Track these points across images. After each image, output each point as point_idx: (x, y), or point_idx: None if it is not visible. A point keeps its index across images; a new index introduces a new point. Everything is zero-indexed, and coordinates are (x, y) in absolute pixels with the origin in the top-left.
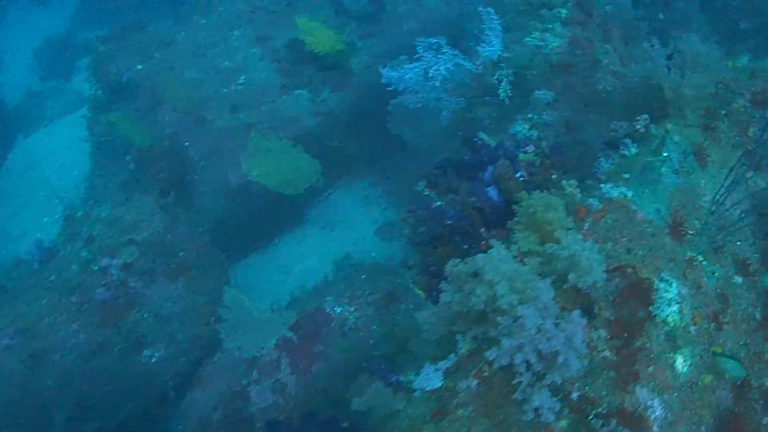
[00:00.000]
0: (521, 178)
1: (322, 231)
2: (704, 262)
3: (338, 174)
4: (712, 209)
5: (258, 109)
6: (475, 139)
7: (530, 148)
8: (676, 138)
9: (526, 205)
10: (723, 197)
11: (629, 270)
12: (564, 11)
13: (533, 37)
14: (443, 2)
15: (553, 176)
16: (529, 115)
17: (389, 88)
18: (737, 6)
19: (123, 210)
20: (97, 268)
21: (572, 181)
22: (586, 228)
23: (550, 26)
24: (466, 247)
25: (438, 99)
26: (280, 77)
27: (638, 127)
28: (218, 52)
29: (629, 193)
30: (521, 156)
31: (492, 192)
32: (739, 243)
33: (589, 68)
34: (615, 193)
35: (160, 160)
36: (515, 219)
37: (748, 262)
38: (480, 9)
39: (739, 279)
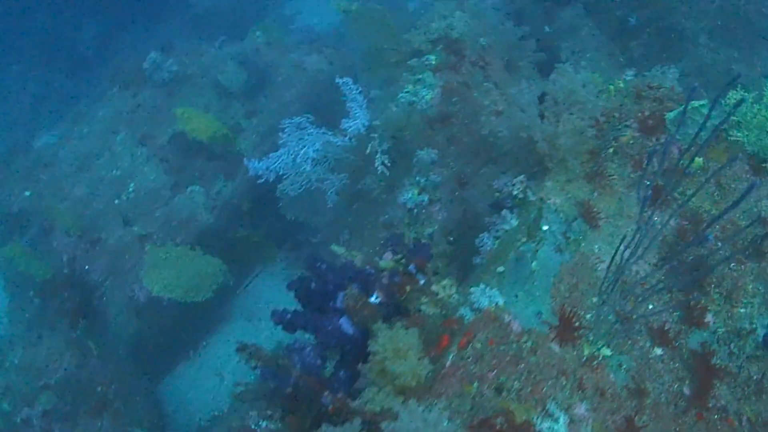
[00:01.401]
0: (377, 301)
1: (248, 323)
2: (608, 354)
3: (251, 263)
4: (611, 277)
5: (152, 216)
6: (318, 264)
7: (388, 255)
8: (557, 200)
9: (374, 351)
10: (623, 256)
11: (499, 421)
12: (433, 57)
13: (406, 92)
14: (325, 61)
15: (421, 282)
16: (417, 179)
17: (259, 181)
18: (621, 2)
19: (34, 352)
20: (19, 420)
21: (445, 282)
22: (447, 367)
23: (421, 77)
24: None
25: (320, 180)
26: (169, 176)
27: (515, 192)
28: (104, 162)
29: (500, 301)
30: (383, 264)
31: (346, 325)
32: (652, 305)
33: (470, 114)
34: (485, 301)
35: (63, 291)
36: (367, 367)
37: (666, 326)
38: (337, 80)
39: (658, 351)
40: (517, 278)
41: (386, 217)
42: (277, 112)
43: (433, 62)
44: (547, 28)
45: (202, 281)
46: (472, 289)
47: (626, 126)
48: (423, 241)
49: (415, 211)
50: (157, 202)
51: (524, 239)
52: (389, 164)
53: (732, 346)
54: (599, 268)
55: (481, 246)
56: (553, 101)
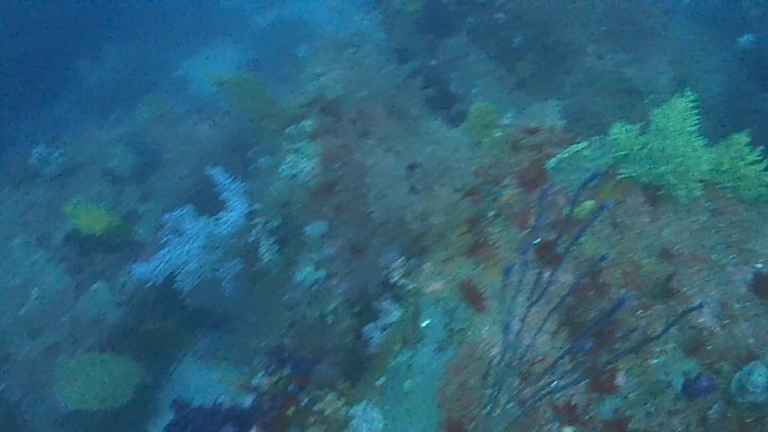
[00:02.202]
0: None
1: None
2: None
3: (171, 353)
4: (504, 363)
5: (59, 322)
6: (186, 412)
7: (264, 381)
8: (436, 287)
9: None
10: (514, 334)
11: None
12: (309, 123)
13: (287, 164)
14: (216, 129)
15: (303, 401)
16: (310, 255)
17: (148, 285)
18: (504, 24)
19: None
20: None
21: (330, 397)
22: None
23: (299, 146)
24: None
25: (214, 269)
26: (71, 277)
27: (393, 279)
28: (3, 271)
29: (380, 426)
30: (262, 385)
31: None
32: (555, 382)
33: (355, 179)
34: (364, 429)
35: None
36: None
37: (574, 401)
38: (207, 171)
39: (568, 431)
40: (396, 395)
41: (288, 296)
42: (172, 191)
43: (310, 128)
44: (433, 61)
45: (118, 386)
46: (354, 411)
47: (507, 185)
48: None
49: (314, 288)
50: (62, 306)
51: (401, 347)
52: (279, 245)
53: (648, 405)
54: (491, 354)
55: (370, 339)
56: (424, 172)
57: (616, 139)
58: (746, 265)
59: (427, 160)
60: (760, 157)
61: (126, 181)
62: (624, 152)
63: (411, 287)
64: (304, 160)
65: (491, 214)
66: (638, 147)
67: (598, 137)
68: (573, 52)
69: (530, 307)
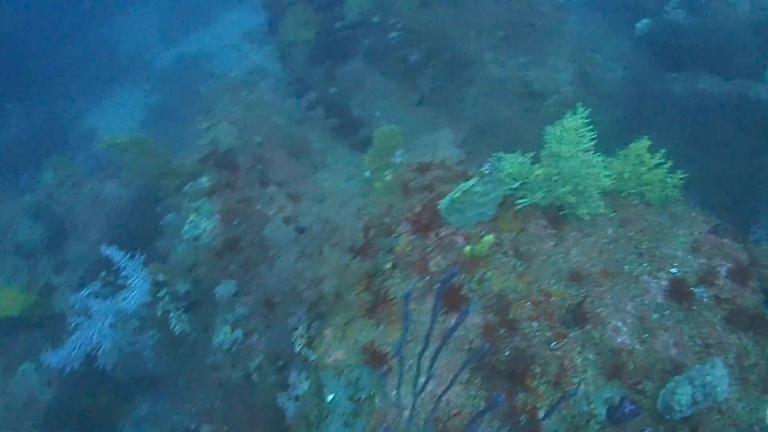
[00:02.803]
0: None
1: None
2: None
3: (109, 425)
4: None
5: None
6: None
7: None
8: (338, 356)
9: None
10: (421, 390)
11: None
12: (206, 179)
13: (190, 225)
14: (122, 186)
15: None
16: (225, 316)
17: (65, 374)
18: (399, 42)
19: None
20: None
21: None
22: None
23: (198, 204)
24: None
25: (131, 343)
26: None
27: (297, 348)
28: None
29: None
30: None
31: None
32: None
33: (257, 231)
34: None
35: None
36: None
37: None
38: (103, 252)
39: None
40: None
41: (210, 359)
42: (85, 257)
43: (207, 185)
44: (333, 89)
45: None
46: None
47: (399, 234)
48: None
49: (234, 349)
50: None
51: (307, 428)
52: (192, 310)
53: None
54: (404, 416)
55: (285, 410)
56: (312, 235)
57: (509, 172)
58: (660, 271)
59: (316, 221)
60: (662, 161)
61: (38, 254)
62: (517, 184)
63: (313, 358)
64: (204, 219)
65: (388, 266)
66: (534, 175)
67: (489, 170)
68: (472, 62)
69: (435, 359)
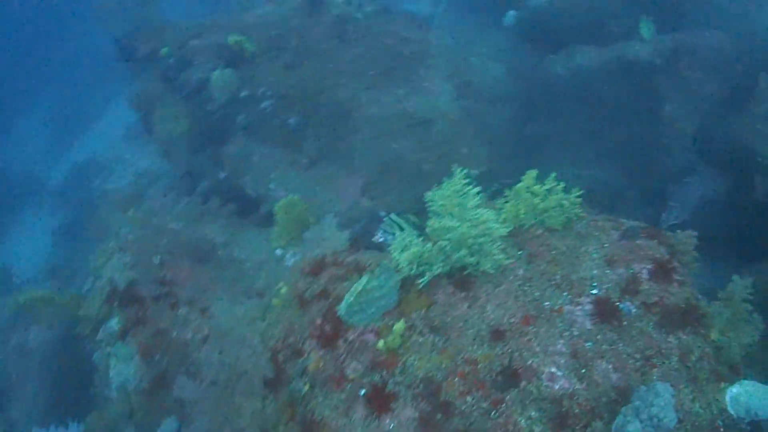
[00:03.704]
0: None
1: None
2: None
3: None
4: None
5: None
6: None
7: None
8: None
9: None
10: None
11: None
12: (115, 322)
13: (114, 372)
14: (48, 330)
15: None
16: None
17: None
18: (274, 110)
19: None
20: None
21: None
22: None
23: (115, 349)
24: None
25: None
26: None
27: None
28: None
29: None
30: None
31: None
32: None
33: (181, 359)
34: None
35: None
36: None
37: None
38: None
39: None
40: None
41: None
42: (30, 413)
43: (117, 327)
44: (222, 174)
45: None
46: None
47: (308, 352)
48: None
49: None
50: None
51: None
52: None
53: None
54: None
55: None
56: (219, 389)
57: (398, 262)
58: (581, 296)
59: (220, 370)
60: (556, 183)
61: None
62: (413, 270)
63: None
64: (125, 364)
65: (306, 390)
66: (427, 253)
67: (382, 237)
68: (351, 109)
69: None
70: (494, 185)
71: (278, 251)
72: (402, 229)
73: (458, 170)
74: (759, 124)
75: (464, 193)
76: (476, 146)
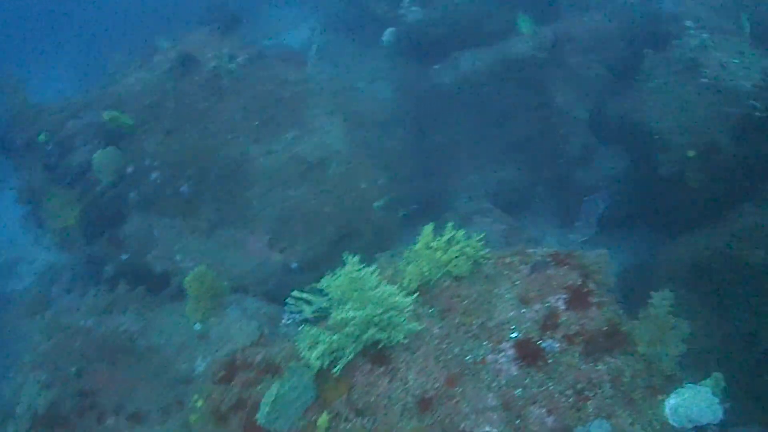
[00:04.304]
0: None
1: None
2: None
3: None
4: None
5: None
6: None
7: None
8: None
9: None
10: None
11: None
12: None
13: None
14: None
15: None
16: None
17: None
18: (164, 179)
19: None
20: None
21: None
22: None
23: None
24: None
25: None
26: None
27: None
28: None
29: None
30: None
31: None
32: None
33: None
34: None
35: None
36: None
37: None
38: None
39: None
40: None
41: None
42: None
43: None
44: (124, 255)
45: None
46: None
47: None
48: None
49: None
50: None
51: None
52: None
53: None
54: None
55: None
56: None
57: (308, 360)
58: (502, 342)
59: None
60: (454, 232)
61: None
62: (325, 362)
63: None
64: None
65: None
66: (335, 341)
67: (289, 320)
68: (241, 164)
69: None
70: (400, 213)
71: (197, 326)
72: (309, 303)
73: (350, 258)
74: (650, 101)
75: (360, 278)
76: (375, 176)
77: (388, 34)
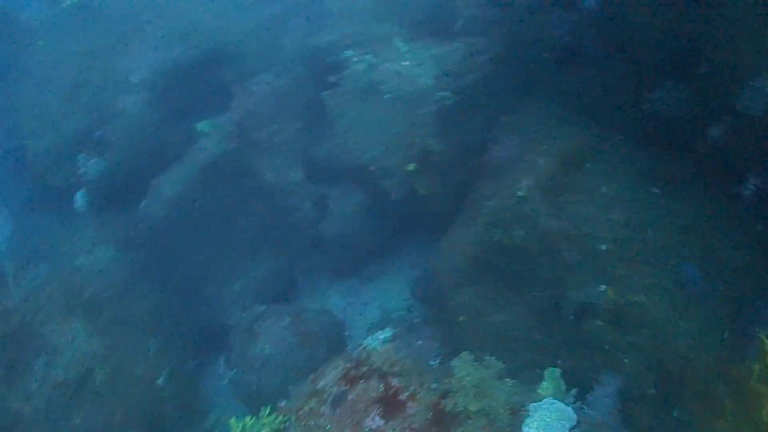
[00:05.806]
0: None
1: None
2: None
3: None
4: None
5: None
6: None
7: None
8: None
9: None
10: None
11: None
12: None
13: None
14: None
15: None
16: None
17: None
18: None
19: None
20: None
21: None
22: None
23: None
24: None
25: None
26: None
27: None
28: None
29: None
30: None
31: None
32: None
33: None
34: None
35: None
36: None
37: None
38: None
39: None
40: None
41: None
42: None
43: None
44: None
45: None
46: None
47: None
48: None
49: None
50: None
51: None
52: None
53: None
54: None
55: None
56: None
57: None
58: None
59: None
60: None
61: None
62: None
63: None
64: None
65: None
66: None
67: None
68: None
69: None
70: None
71: None
72: None
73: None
74: (350, 137)
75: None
76: (143, 351)
77: (79, 197)
